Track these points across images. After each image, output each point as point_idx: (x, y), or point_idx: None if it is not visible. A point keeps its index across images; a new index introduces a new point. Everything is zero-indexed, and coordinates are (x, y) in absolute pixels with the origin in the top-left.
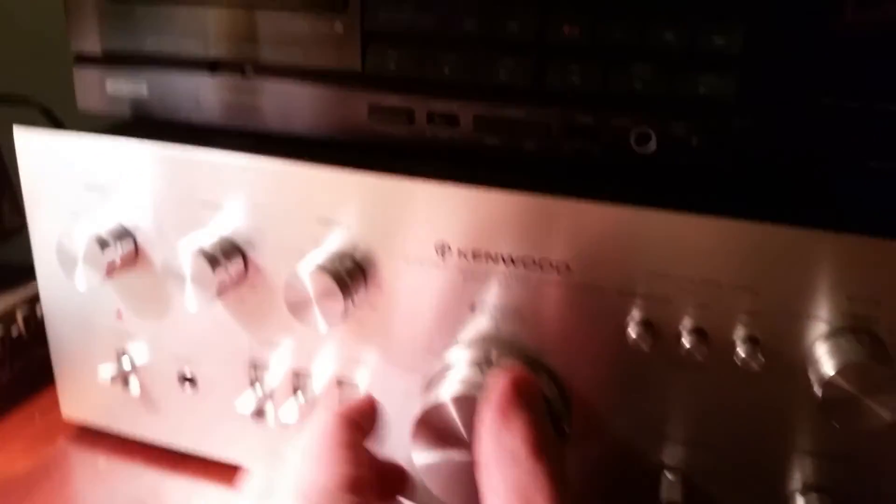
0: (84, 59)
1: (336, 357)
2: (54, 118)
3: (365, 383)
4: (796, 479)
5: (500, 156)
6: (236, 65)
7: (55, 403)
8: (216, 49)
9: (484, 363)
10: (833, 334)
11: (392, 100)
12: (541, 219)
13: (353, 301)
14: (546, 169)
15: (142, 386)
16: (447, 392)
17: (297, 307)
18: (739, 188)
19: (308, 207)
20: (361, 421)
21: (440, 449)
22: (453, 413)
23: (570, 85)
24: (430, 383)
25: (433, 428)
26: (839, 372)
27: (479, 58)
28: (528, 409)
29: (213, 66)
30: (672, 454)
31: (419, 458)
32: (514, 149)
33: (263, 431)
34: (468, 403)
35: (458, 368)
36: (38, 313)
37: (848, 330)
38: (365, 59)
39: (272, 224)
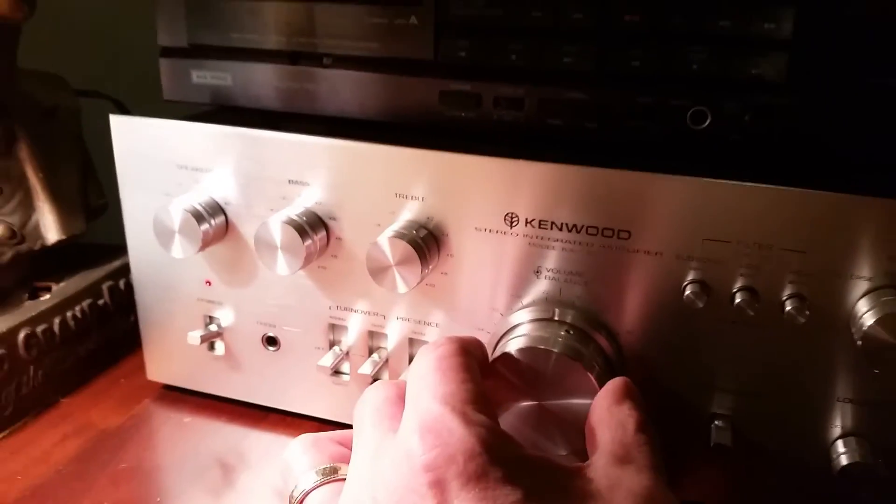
0: (170, 52)
1: (408, 318)
2: (124, 108)
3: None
4: (837, 425)
5: (563, 136)
6: (316, 56)
7: (138, 370)
8: (297, 41)
9: (547, 321)
10: (874, 291)
11: (462, 85)
12: (603, 190)
13: (427, 266)
14: (605, 149)
15: (226, 347)
16: (514, 345)
17: (378, 272)
18: (787, 163)
19: (385, 183)
20: (472, 349)
21: (508, 399)
22: (519, 363)
23: (630, 68)
24: (499, 340)
25: (500, 378)
26: (878, 321)
27: (544, 45)
28: (635, 400)
29: (293, 56)
30: (721, 403)
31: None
32: (576, 129)
33: (339, 388)
34: (532, 354)
35: (523, 326)
36: (122, 286)
37: (888, 287)
38: (437, 48)
39: (352, 199)
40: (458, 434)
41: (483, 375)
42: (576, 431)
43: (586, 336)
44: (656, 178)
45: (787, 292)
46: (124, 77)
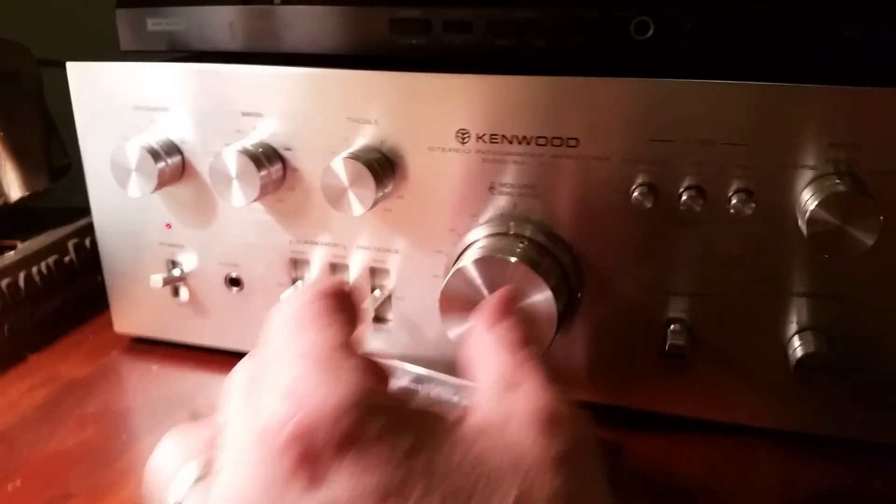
0: (126, 2)
1: (369, 247)
2: None
3: (396, 268)
4: (793, 321)
5: (513, 56)
6: None
7: (106, 326)
8: None
9: (503, 235)
10: (818, 179)
11: (410, 12)
12: (551, 98)
13: (382, 187)
14: (554, 66)
15: (190, 292)
16: (468, 258)
17: (333, 196)
18: (727, 67)
19: (337, 109)
20: (334, 293)
21: (468, 317)
22: (476, 276)
23: None
24: (456, 260)
25: (460, 296)
26: (821, 203)
27: None
28: (513, 315)
29: None
30: (676, 307)
31: (452, 331)
32: (524, 48)
33: None
34: (489, 264)
35: (479, 242)
36: (88, 244)
37: (832, 174)
38: None
39: (306, 127)
40: (323, 389)
41: (440, 303)
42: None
43: (542, 248)
44: (599, 82)
45: (733, 187)
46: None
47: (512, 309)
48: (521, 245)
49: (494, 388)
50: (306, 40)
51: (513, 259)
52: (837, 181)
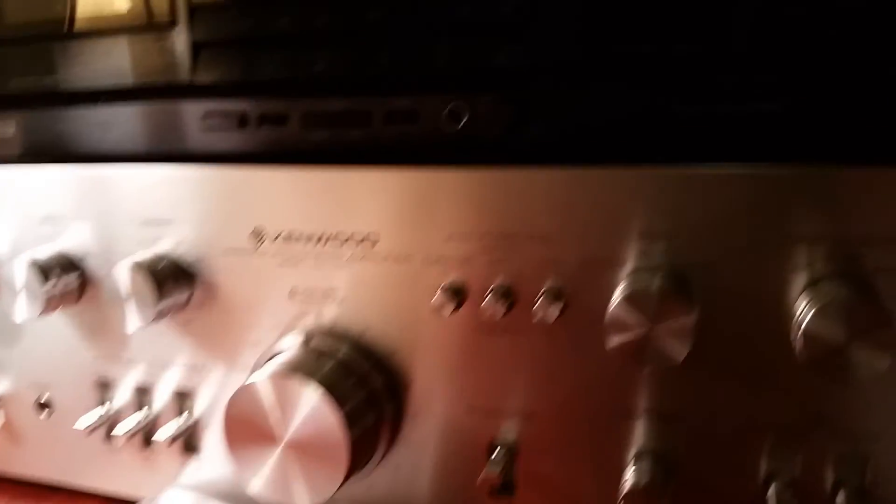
0: None
1: (173, 364)
2: None
3: (202, 389)
4: (629, 444)
5: (331, 149)
6: (85, 94)
7: None
8: (57, 79)
9: (303, 349)
10: (632, 273)
11: (224, 105)
12: (346, 192)
13: (170, 295)
14: (371, 158)
15: (6, 417)
16: (254, 377)
17: (113, 306)
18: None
19: (131, 210)
20: None
21: (254, 442)
22: (262, 398)
23: (380, 69)
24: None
25: (246, 421)
26: (626, 300)
27: (297, 54)
28: None
29: (66, 97)
30: (500, 428)
31: (238, 461)
32: (341, 140)
33: (122, 456)
34: (275, 386)
35: (276, 359)
36: None
37: (646, 268)
38: (195, 69)
39: (100, 232)
40: None
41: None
42: (323, 477)
43: (345, 366)
44: (396, 174)
45: (540, 288)
46: None
47: None
48: (319, 362)
49: None
50: (124, 142)
51: (302, 381)
52: (651, 277)
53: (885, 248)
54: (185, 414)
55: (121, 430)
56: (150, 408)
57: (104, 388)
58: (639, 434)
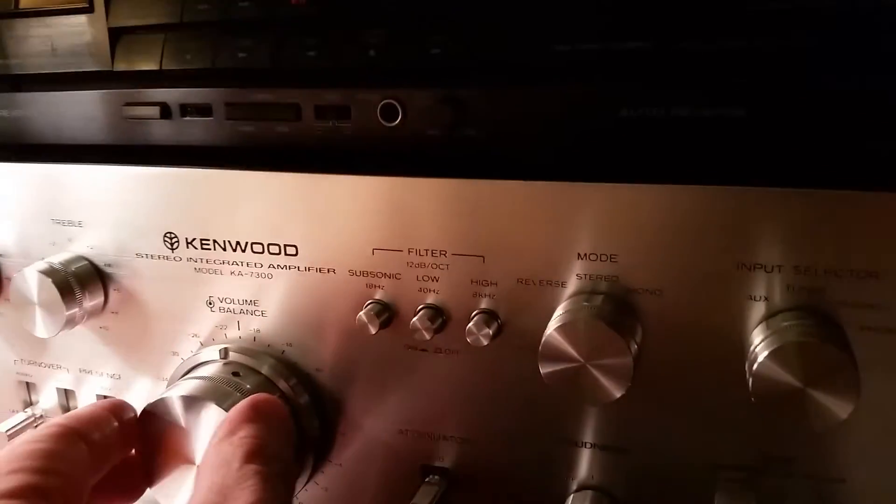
0: None
1: (91, 371)
2: None
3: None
4: (570, 475)
5: (256, 142)
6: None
7: None
8: None
9: (220, 364)
10: (571, 297)
11: (146, 95)
12: (261, 197)
13: (81, 302)
14: (300, 156)
15: None
16: (169, 392)
17: (22, 311)
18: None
19: (42, 208)
20: (81, 427)
21: (167, 462)
22: (172, 416)
23: (307, 61)
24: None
25: (157, 434)
26: (559, 330)
27: (219, 42)
28: (257, 423)
29: None
30: (434, 453)
31: (149, 478)
32: (268, 134)
33: None
34: (186, 405)
35: (189, 374)
36: None
37: (584, 293)
38: (114, 57)
39: (14, 230)
40: None
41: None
42: None
43: (267, 382)
44: (320, 179)
45: (474, 308)
46: None
47: (253, 418)
48: (235, 380)
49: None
50: (50, 129)
51: (210, 403)
52: (586, 303)
53: (850, 280)
54: None
55: None
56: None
57: (28, 388)
58: (581, 465)
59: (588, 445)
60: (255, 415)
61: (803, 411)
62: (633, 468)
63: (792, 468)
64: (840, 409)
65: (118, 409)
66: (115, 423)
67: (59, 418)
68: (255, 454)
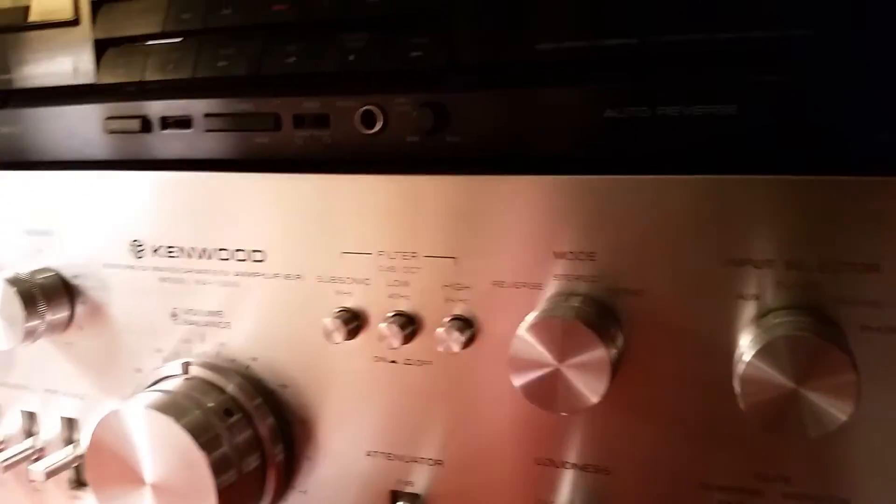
0: None
1: (56, 391)
2: None
3: (87, 419)
4: (547, 498)
5: (236, 153)
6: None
7: None
8: None
9: (181, 380)
10: (549, 299)
11: (125, 108)
12: (229, 200)
13: (43, 315)
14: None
15: None
16: (119, 407)
17: None
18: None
19: (12, 218)
20: None
21: (120, 482)
22: (127, 433)
23: (286, 67)
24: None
25: (110, 453)
26: (530, 329)
27: (200, 50)
28: None
29: None
30: (405, 475)
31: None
32: (248, 145)
33: (11, 490)
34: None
35: (154, 387)
36: None
37: (563, 294)
38: (99, 70)
39: None
40: None
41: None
42: None
43: (232, 402)
44: (286, 180)
45: (447, 314)
46: None
47: None
48: (194, 398)
49: None
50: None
51: (167, 421)
52: (563, 303)
53: (849, 275)
54: (71, 447)
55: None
56: (35, 438)
57: None
58: (562, 488)
59: (569, 465)
60: None
61: (797, 415)
62: (617, 491)
63: (790, 488)
64: (838, 410)
65: None
66: None
67: None
68: None
